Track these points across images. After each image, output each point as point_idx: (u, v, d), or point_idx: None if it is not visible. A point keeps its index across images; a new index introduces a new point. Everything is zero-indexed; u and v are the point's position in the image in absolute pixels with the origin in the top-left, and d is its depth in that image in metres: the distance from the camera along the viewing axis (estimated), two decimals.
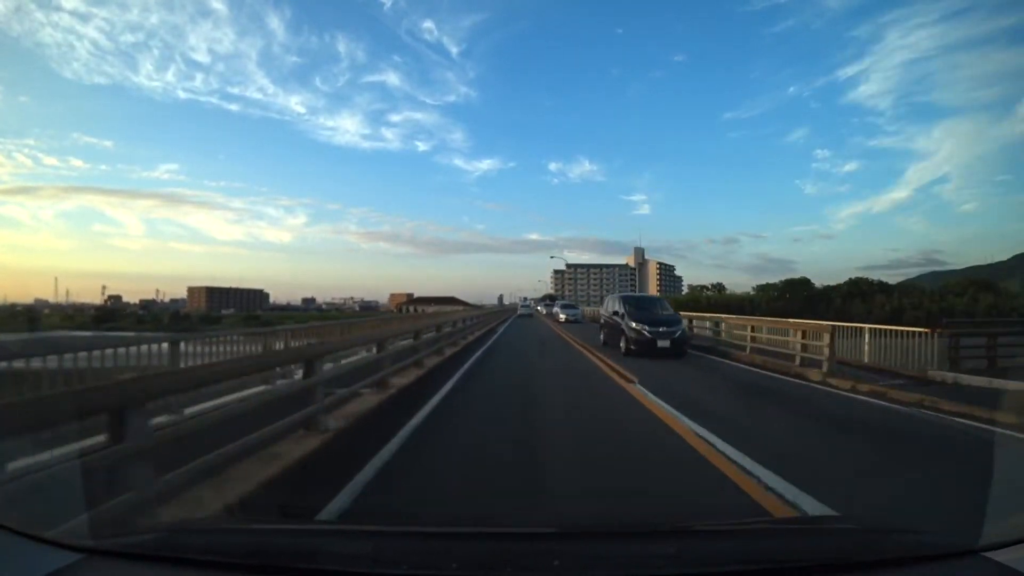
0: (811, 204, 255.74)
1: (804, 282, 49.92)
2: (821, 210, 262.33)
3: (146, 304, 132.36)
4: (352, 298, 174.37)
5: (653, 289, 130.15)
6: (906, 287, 52.25)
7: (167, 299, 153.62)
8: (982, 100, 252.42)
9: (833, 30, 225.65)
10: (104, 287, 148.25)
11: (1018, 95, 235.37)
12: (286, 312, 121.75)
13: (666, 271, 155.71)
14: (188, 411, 4.32)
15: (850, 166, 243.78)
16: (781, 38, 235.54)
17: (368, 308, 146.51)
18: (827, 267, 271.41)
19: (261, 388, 5.57)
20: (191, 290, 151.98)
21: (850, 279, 52.79)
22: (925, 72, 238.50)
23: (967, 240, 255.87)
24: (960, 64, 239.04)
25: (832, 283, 50.74)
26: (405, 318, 14.27)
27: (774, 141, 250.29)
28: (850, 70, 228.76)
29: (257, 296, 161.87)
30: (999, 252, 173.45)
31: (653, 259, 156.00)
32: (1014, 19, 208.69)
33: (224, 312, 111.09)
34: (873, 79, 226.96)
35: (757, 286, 57.09)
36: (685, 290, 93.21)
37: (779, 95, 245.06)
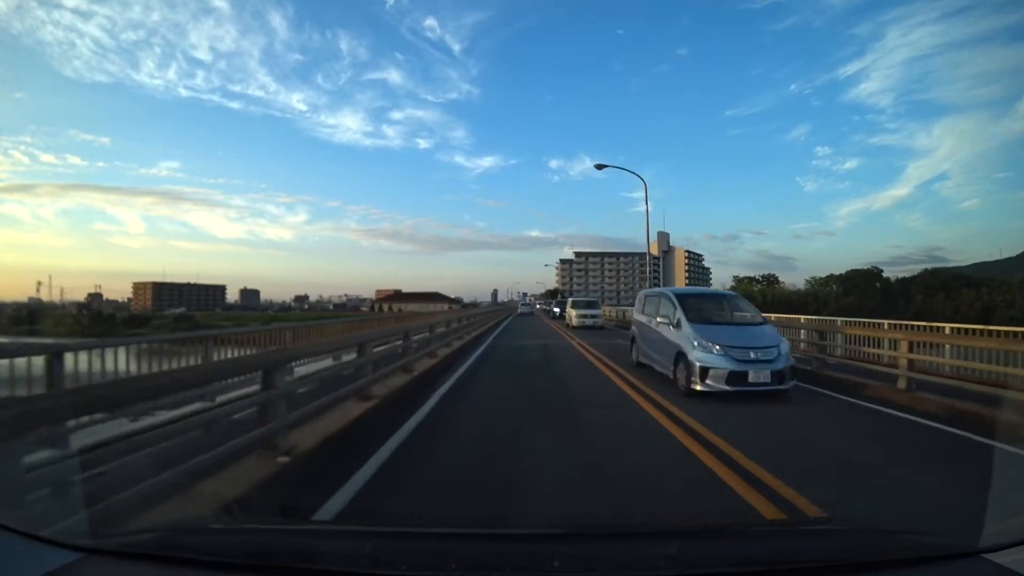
0: (812, 201, 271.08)
1: (875, 274, 45.62)
2: (822, 207, 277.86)
3: (84, 303, 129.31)
4: (332, 296, 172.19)
5: (681, 280, 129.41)
6: (997, 282, 49.04)
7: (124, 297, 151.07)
8: (983, 97, 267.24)
9: (834, 28, 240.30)
10: (39, 283, 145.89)
11: (1019, 92, 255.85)
12: (245, 313, 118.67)
13: (695, 260, 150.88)
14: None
15: (851, 163, 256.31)
16: (782, 36, 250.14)
17: (343, 307, 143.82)
18: (828, 264, 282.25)
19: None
20: (137, 286, 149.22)
21: (925, 269, 49.70)
22: (926, 70, 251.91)
23: (968, 237, 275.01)
24: (961, 62, 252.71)
25: (906, 274, 47.44)
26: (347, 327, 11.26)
27: (775, 138, 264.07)
28: (851, 68, 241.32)
29: (215, 293, 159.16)
30: (1005, 249, 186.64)
31: (680, 247, 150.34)
32: (1015, 17, 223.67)
33: (170, 311, 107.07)
34: (874, 77, 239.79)
35: (813, 279, 55.25)
36: (713, 283, 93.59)
37: (780, 92, 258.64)
